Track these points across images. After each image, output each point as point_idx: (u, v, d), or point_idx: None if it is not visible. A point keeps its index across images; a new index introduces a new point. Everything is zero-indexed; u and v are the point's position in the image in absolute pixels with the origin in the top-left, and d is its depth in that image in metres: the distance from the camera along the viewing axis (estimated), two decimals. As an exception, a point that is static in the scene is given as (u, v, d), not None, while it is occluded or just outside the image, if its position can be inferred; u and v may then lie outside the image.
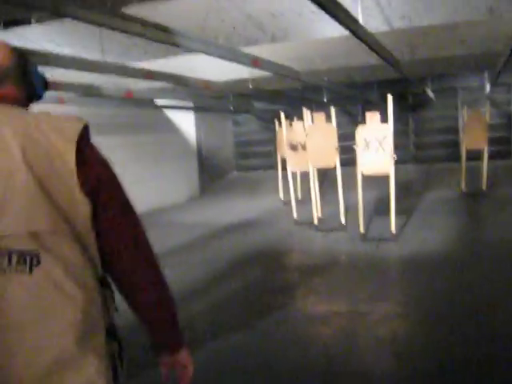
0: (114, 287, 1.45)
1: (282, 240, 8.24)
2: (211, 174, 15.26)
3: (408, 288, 5.61)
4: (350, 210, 8.60)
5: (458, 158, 13.27)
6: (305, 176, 9.72)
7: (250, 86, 9.12)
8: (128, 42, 6.03)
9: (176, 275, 5.35)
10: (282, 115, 9.65)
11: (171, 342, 1.53)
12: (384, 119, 7.42)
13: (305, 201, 10.08)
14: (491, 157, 11.51)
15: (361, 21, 4.53)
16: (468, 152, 11.45)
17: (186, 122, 14.15)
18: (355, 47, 6.02)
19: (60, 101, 7.92)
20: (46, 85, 1.57)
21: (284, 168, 11.91)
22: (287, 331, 4.41)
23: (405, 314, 4.75)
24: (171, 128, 13.67)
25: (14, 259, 1.19)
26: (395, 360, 3.75)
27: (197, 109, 13.72)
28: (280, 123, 11.52)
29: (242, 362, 3.82)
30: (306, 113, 8.55)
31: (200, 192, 14.73)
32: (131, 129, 11.73)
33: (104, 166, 1.38)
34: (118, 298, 1.44)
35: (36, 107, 1.50)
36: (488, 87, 12.27)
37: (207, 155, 15.11)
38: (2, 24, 5.74)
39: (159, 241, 6.76)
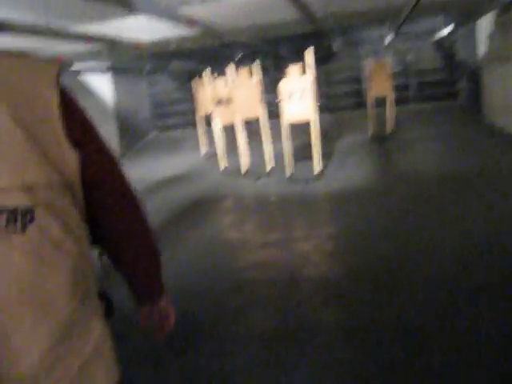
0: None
1: (214, 189, 8.86)
2: (131, 135, 15.50)
3: (335, 216, 6.44)
4: (276, 158, 9.33)
5: (364, 106, 14.37)
6: (227, 130, 10.35)
7: (174, 46, 9.52)
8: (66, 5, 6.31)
9: None
10: (206, 72, 10.13)
11: (155, 289, 1.54)
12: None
13: (230, 153, 10.72)
14: (395, 103, 12.59)
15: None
16: (374, 99, 12.48)
17: (102, 85, 14.26)
18: (275, 4, 6.72)
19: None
20: None
21: (206, 124, 12.50)
22: (239, 255, 5.11)
23: (335, 234, 5.57)
24: (88, 92, 13.77)
25: (3, 218, 1.09)
26: (335, 265, 4.54)
27: (114, 71, 13.86)
28: (198, 81, 12.05)
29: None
30: (230, 68, 9.10)
31: (121, 153, 15.00)
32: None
33: (84, 112, 1.33)
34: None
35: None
36: (388, 38, 13.26)
37: (125, 117, 15.31)
38: None
39: None
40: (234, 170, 9.79)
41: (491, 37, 11.34)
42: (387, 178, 8.13)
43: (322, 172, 8.44)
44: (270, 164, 9.15)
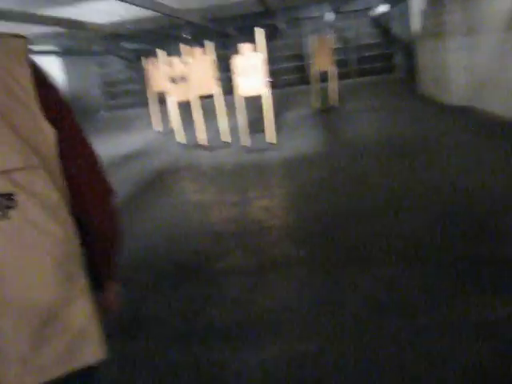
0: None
1: (175, 161, 9.43)
2: (80, 115, 15.77)
3: (290, 178, 7.15)
4: (230, 131, 9.98)
5: (307, 81, 15.18)
6: (181, 107, 10.94)
7: (128, 27, 10.00)
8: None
9: None
10: (160, 52, 10.63)
11: (111, 272, 1.54)
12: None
13: (186, 129, 11.29)
14: (337, 77, 13.43)
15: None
16: (317, 74, 13.27)
17: (53, 66, 14.51)
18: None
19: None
20: None
21: (159, 102, 13.02)
22: (208, 213, 5.79)
23: (292, 192, 6.31)
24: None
25: None
26: (294, 216, 5.29)
27: (64, 53, 14.12)
28: (150, 61, 12.54)
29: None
30: (184, 48, 9.65)
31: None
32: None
33: (58, 88, 1.28)
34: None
35: None
36: (329, 16, 14.04)
37: (75, 98, 15.59)
38: None
39: None
40: (191, 143, 10.43)
41: (423, 14, 12.27)
42: (332, 145, 8.93)
43: (274, 142, 9.16)
44: (225, 137, 9.80)
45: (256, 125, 10.45)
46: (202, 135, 9.98)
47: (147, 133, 13.41)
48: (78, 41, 12.56)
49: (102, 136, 14.34)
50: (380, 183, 6.11)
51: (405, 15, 14.14)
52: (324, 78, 13.25)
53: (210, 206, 6.20)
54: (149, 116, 14.07)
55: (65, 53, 14.13)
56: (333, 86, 13.07)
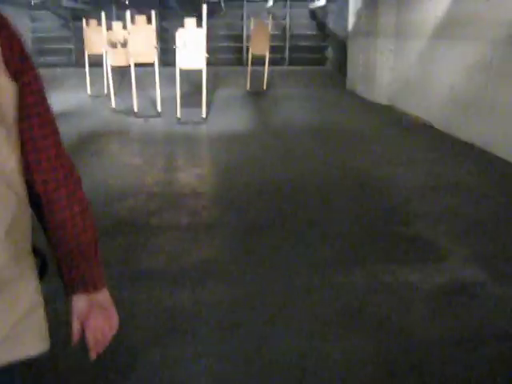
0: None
1: (107, 126, 9.55)
2: (9, 68, 15.38)
3: (219, 151, 7.52)
4: (164, 102, 10.20)
5: (242, 63, 15.57)
6: (115, 72, 11.04)
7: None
8: None
9: None
10: (103, 15, 10.65)
11: (91, 275, 1.25)
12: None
13: (119, 95, 11.39)
14: (270, 63, 13.88)
15: None
16: (252, 58, 13.67)
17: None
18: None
19: None
20: None
21: (91, 64, 12.96)
22: (143, 176, 6.09)
23: (221, 162, 6.70)
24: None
25: None
26: (223, 183, 5.70)
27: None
28: (87, 22, 12.48)
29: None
30: (127, 14, 9.75)
31: None
32: None
33: (21, 37, 1.15)
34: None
35: None
36: (270, 2, 14.42)
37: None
38: None
39: None
40: (124, 110, 10.56)
41: (358, 13, 12.89)
42: (260, 125, 9.41)
43: (205, 117, 9.49)
44: (159, 107, 10.02)
45: (189, 98, 10.71)
46: (135, 103, 10.12)
47: (78, 94, 13.29)
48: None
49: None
50: (301, 163, 6.64)
51: (342, 12, 14.74)
52: (259, 62, 13.65)
53: (143, 169, 6.48)
54: (80, 77, 13.93)
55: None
56: (265, 70, 13.50)
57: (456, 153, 7.13)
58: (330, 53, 16.25)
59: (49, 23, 16.71)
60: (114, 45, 10.34)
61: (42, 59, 16.75)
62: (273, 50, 14.61)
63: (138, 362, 2.62)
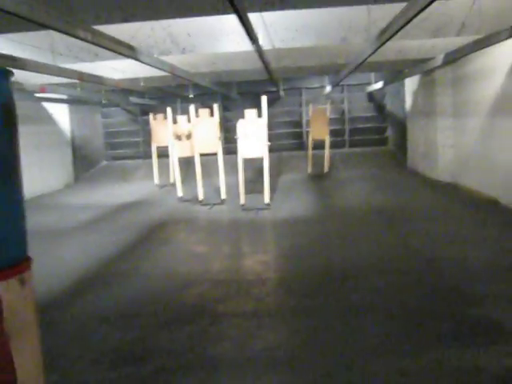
0: None
1: (174, 214, 9.90)
2: (83, 163, 16.34)
3: (284, 237, 7.60)
4: (228, 189, 10.51)
5: (303, 147, 15.93)
6: (181, 163, 11.51)
7: (142, 84, 10.67)
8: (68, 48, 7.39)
9: (101, 240, 7.75)
10: (169, 110, 11.26)
11: None
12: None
13: (185, 184, 11.82)
14: (331, 145, 14.16)
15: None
16: (313, 142, 14.01)
17: (60, 114, 15.11)
18: (238, 57, 8.07)
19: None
20: None
21: (158, 156, 13.60)
22: (208, 263, 6.22)
23: (285, 249, 6.77)
24: (49, 119, 14.57)
25: None
26: (287, 269, 5.74)
27: (72, 102, 14.79)
28: (154, 116, 13.20)
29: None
30: (191, 107, 10.28)
31: (74, 179, 15.79)
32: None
33: None
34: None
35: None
36: (328, 88, 14.87)
37: (79, 145, 16.16)
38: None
39: (65, 218, 8.72)
40: (189, 198, 10.94)
41: (415, 93, 13.10)
42: (323, 209, 9.47)
43: (269, 202, 9.68)
44: (223, 194, 10.32)
45: (253, 184, 11.01)
46: (200, 191, 10.47)
47: (146, 184, 13.92)
48: (88, 92, 13.14)
49: (101, 184, 14.86)
50: (365, 246, 6.61)
51: (399, 93, 15.02)
52: (319, 145, 13.97)
53: (209, 257, 6.63)
54: (148, 168, 14.62)
55: (72, 101, 14.78)
56: (326, 154, 13.76)
57: (525, 230, 6.97)
58: (389, 133, 16.41)
59: (119, 119, 17.75)
60: (179, 137, 10.85)
61: (112, 152, 17.70)
62: (333, 133, 14.95)
63: None
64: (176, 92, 14.64)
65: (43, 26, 3.81)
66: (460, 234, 7.02)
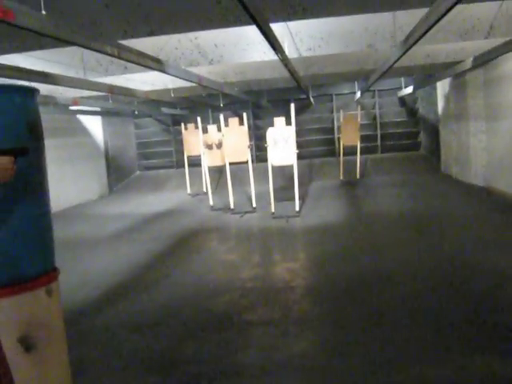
0: None
1: (205, 222, 10.01)
2: (117, 173, 16.61)
3: (314, 244, 7.61)
4: (258, 197, 10.55)
5: (334, 154, 15.88)
6: (211, 171, 11.63)
7: (172, 95, 10.82)
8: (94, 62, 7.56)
9: (133, 249, 7.88)
10: (199, 120, 11.38)
11: None
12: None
13: (216, 192, 11.93)
14: (362, 151, 14.10)
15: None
16: (344, 148, 13.98)
17: (94, 125, 15.41)
18: (266, 66, 8.13)
19: None
20: None
21: (190, 165, 13.73)
22: (238, 271, 6.25)
23: (315, 256, 6.77)
24: (83, 131, 14.88)
25: None
26: (316, 277, 5.74)
27: (105, 113, 15.06)
28: (185, 126, 13.34)
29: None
30: (221, 117, 10.38)
31: (108, 190, 16.07)
32: (51, 132, 12.88)
33: None
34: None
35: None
36: (358, 94, 14.81)
37: (113, 156, 16.43)
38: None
39: (99, 228, 8.81)
40: (221, 207, 11.02)
41: (447, 97, 12.95)
42: (354, 216, 9.43)
43: (299, 210, 9.69)
44: (254, 202, 10.37)
45: (283, 192, 11.03)
46: (232, 199, 10.54)
47: (176, 194, 14.07)
48: (120, 104, 13.33)
49: (135, 194, 15.10)
50: (397, 253, 6.56)
51: (431, 97, 14.87)
52: (351, 151, 13.92)
53: (239, 265, 6.67)
54: (180, 178, 14.78)
55: (105, 113, 15.05)
56: (358, 159, 13.70)
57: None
58: (422, 137, 16.24)
59: (151, 129, 17.98)
60: (209, 146, 10.95)
61: (146, 162, 17.94)
62: (364, 138, 14.88)
63: None
64: (207, 101, 14.77)
65: (70, 43, 3.93)
66: (493, 239, 6.91)
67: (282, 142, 9.34)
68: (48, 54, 6.96)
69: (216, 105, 14.61)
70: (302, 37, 7.07)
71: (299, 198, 9.90)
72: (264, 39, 4.83)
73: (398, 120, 16.46)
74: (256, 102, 15.14)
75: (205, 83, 7.84)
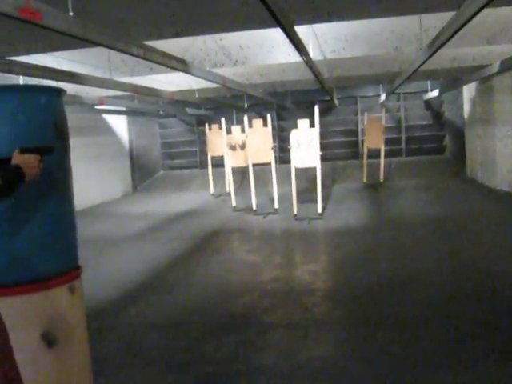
0: None
1: (228, 223, 10.04)
2: (141, 172, 16.75)
3: (335, 247, 7.59)
4: (281, 198, 10.55)
5: (358, 156, 15.80)
6: (235, 171, 11.66)
7: (197, 95, 10.88)
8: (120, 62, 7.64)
9: (156, 248, 7.93)
10: (223, 121, 11.44)
11: None
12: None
13: (239, 193, 11.95)
14: (386, 154, 14.00)
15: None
16: (368, 151, 13.91)
17: (119, 125, 15.56)
18: (291, 68, 8.13)
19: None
20: None
21: (213, 165, 13.78)
22: (260, 273, 6.27)
23: (336, 259, 6.76)
24: (108, 130, 15.04)
25: None
26: (336, 280, 5.73)
27: (130, 113, 15.19)
28: (210, 127, 13.39)
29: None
30: (245, 118, 10.40)
31: (132, 189, 16.21)
32: (77, 131, 13.02)
33: None
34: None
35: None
36: (383, 96, 14.72)
37: (138, 155, 16.57)
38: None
39: (122, 226, 8.93)
40: (243, 207, 11.04)
41: (473, 101, 12.81)
42: (377, 219, 9.39)
43: (322, 212, 9.67)
44: (276, 204, 10.37)
45: (306, 194, 11.02)
46: (254, 201, 10.56)
47: (203, 194, 14.12)
48: (145, 104, 13.44)
49: (159, 193, 15.21)
50: (418, 257, 6.52)
51: (457, 100, 14.72)
52: (375, 154, 13.84)
53: (260, 266, 6.69)
54: (203, 178, 14.84)
55: (131, 113, 15.18)
56: (382, 162, 13.62)
57: None
58: (447, 141, 16.07)
59: (176, 129, 18.07)
60: (233, 147, 10.99)
61: (170, 162, 18.05)
62: (389, 142, 14.77)
63: None
64: (231, 102, 14.82)
65: (97, 44, 3.98)
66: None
67: (306, 144, 9.33)
68: (75, 55, 7.06)
69: (240, 106, 14.63)
70: (326, 39, 7.07)
71: (322, 201, 9.88)
72: (288, 41, 4.84)
73: (423, 123, 16.31)
74: (280, 103, 15.14)
75: (229, 84, 7.86)
